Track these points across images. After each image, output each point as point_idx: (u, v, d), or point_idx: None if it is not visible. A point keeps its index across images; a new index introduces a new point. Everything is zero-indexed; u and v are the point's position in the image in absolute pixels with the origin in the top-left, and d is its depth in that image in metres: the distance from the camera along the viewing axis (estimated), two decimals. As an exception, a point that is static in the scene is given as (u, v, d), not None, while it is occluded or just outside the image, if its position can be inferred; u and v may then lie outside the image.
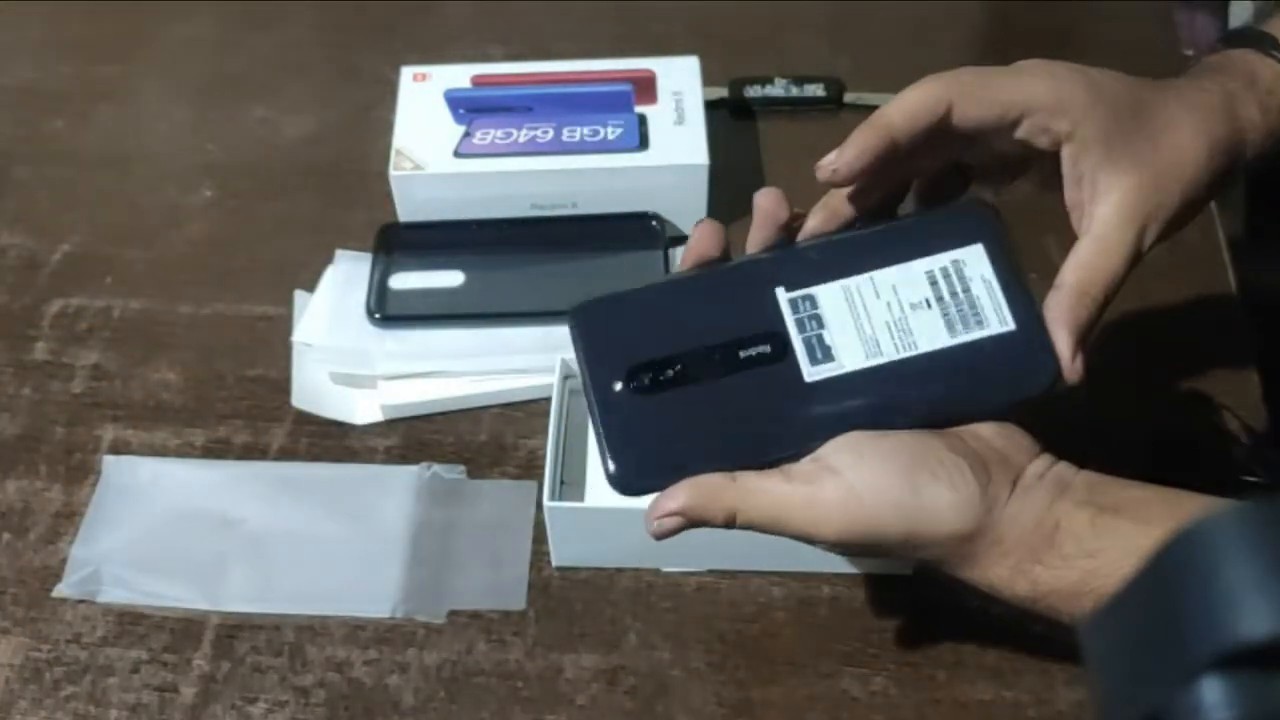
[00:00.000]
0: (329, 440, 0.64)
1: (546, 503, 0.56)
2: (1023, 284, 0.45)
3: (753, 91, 0.79)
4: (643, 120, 0.71)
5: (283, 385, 0.66)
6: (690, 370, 0.44)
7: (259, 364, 0.67)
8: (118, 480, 0.63)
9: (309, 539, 0.60)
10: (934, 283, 0.45)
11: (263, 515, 0.61)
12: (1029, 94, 0.44)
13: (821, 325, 0.44)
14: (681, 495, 0.42)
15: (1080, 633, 0.26)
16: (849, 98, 0.79)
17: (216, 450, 0.64)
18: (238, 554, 0.60)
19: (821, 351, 0.44)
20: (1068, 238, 0.46)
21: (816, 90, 0.79)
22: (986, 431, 0.43)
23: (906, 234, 0.46)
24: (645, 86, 0.73)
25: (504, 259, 0.69)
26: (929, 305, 0.44)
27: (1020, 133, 0.45)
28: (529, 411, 0.65)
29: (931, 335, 0.44)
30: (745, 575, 0.59)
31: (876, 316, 0.44)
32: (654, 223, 0.70)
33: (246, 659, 0.57)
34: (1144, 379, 0.65)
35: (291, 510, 0.61)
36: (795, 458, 0.43)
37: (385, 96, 0.74)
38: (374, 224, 0.71)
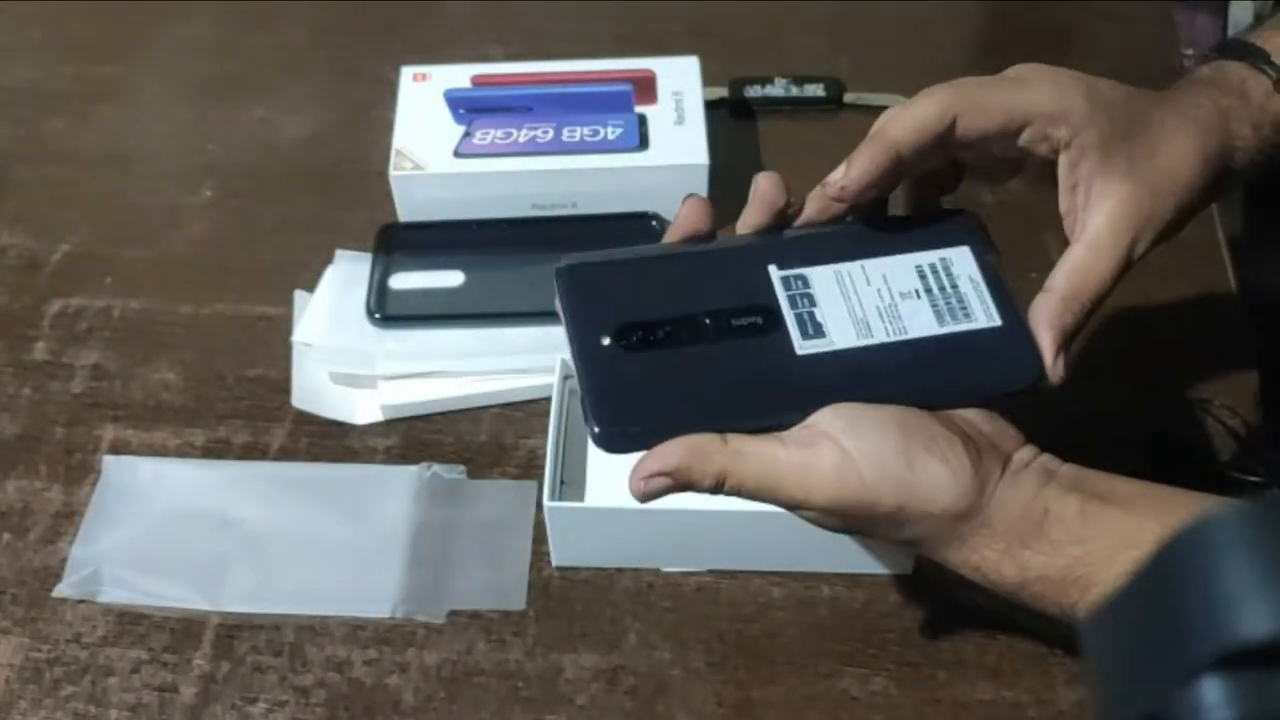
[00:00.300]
0: (329, 440, 0.64)
1: (546, 503, 0.56)
2: (1006, 288, 0.46)
3: (753, 91, 0.79)
4: (643, 120, 0.71)
5: (283, 385, 0.66)
6: (680, 333, 0.43)
7: (259, 364, 0.67)
8: (118, 480, 0.63)
9: (309, 539, 0.60)
10: (923, 276, 0.45)
11: (263, 515, 0.61)
12: (1031, 103, 0.44)
13: (813, 303, 0.44)
14: (670, 455, 0.41)
15: (1080, 632, 0.26)
16: (849, 98, 0.79)
17: (216, 450, 0.64)
18: (238, 554, 0.60)
19: (813, 327, 0.44)
20: (1065, 237, 0.46)
21: (816, 90, 0.79)
22: (974, 417, 0.43)
23: (897, 230, 0.47)
24: (645, 86, 0.73)
25: (504, 259, 0.69)
26: (918, 295, 0.45)
27: (1022, 140, 0.45)
28: (529, 411, 0.65)
29: (921, 323, 0.44)
30: (745, 575, 0.59)
31: (867, 301, 0.45)
32: (654, 223, 0.70)
33: (246, 659, 0.57)
34: (1143, 378, 0.65)
35: (291, 510, 0.61)
36: (783, 427, 0.42)
37: (385, 96, 0.74)
38: (374, 224, 0.71)
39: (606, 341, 0.43)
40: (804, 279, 0.45)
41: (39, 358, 0.69)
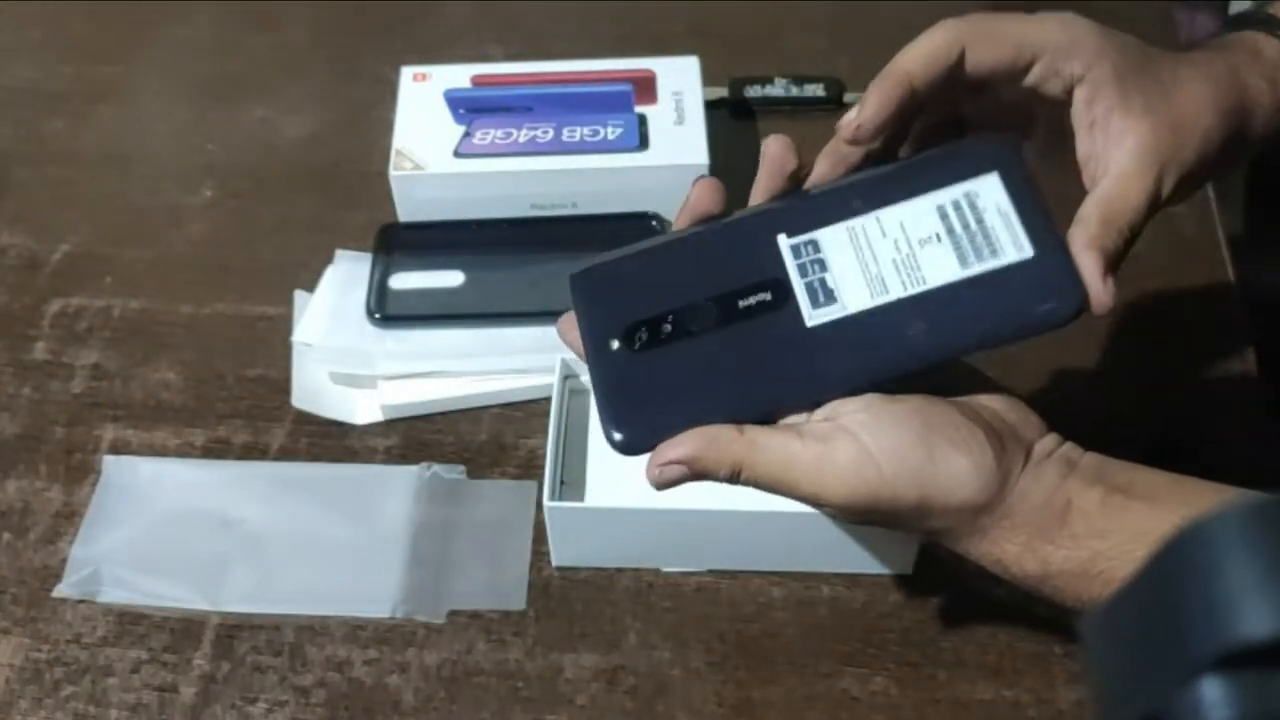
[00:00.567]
0: (329, 440, 0.64)
1: (546, 503, 0.56)
2: (1044, 210, 0.42)
3: (753, 91, 0.79)
4: (643, 120, 0.71)
5: (283, 385, 0.66)
6: (686, 324, 0.43)
7: (259, 364, 0.67)
8: (118, 480, 0.63)
9: (309, 539, 0.60)
10: (944, 216, 0.42)
11: (263, 515, 0.61)
12: (1042, 35, 0.43)
13: (824, 269, 0.43)
14: (687, 444, 0.41)
15: (1080, 631, 0.26)
16: (849, 98, 0.79)
17: (216, 450, 0.64)
18: (238, 554, 0.60)
19: (824, 294, 0.42)
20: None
21: (816, 90, 0.79)
22: (997, 405, 0.43)
23: (916, 171, 0.44)
24: (645, 86, 0.73)
25: (504, 259, 0.69)
26: (939, 239, 0.42)
27: (1031, 78, 0.44)
28: (529, 411, 0.65)
29: (941, 269, 0.42)
30: (745, 575, 0.59)
31: (883, 255, 0.42)
32: (654, 223, 0.70)
33: (246, 659, 0.57)
34: (1142, 376, 0.65)
35: (291, 510, 0.61)
36: (799, 410, 0.42)
37: (385, 96, 0.74)
38: (374, 224, 0.71)
39: (616, 345, 0.43)
40: (814, 243, 0.43)
41: (39, 357, 0.69)
